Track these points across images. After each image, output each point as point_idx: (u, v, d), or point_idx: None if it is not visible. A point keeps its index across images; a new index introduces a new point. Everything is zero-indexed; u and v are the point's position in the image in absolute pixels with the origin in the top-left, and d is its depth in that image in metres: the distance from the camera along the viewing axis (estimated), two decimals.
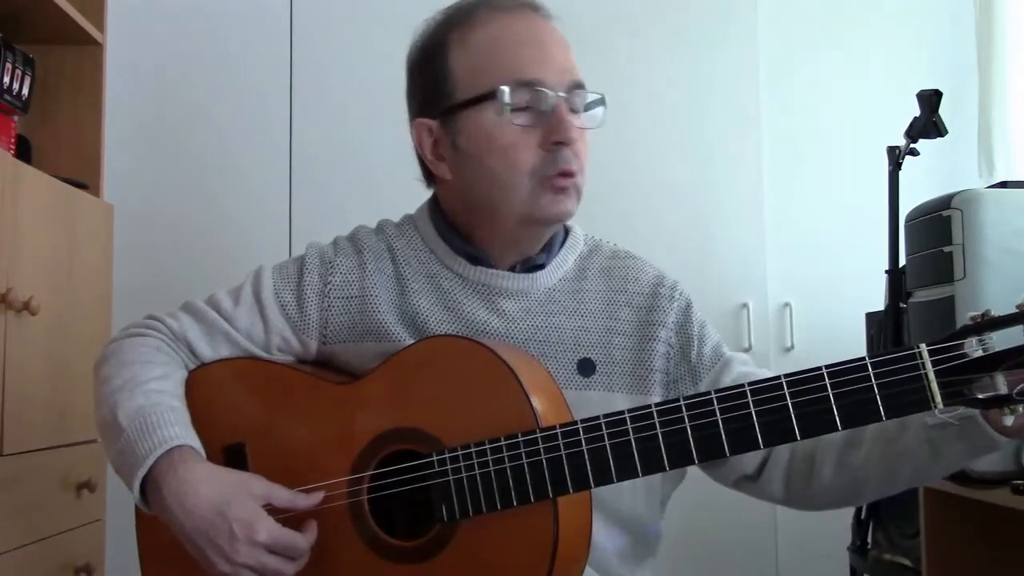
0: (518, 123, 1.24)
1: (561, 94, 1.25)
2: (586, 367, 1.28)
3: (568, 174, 1.25)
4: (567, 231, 1.39)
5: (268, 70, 2.79)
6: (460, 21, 1.30)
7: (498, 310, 1.30)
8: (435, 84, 1.30)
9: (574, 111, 1.27)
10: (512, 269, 1.33)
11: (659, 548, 1.36)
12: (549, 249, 1.35)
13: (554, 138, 1.24)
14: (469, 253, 1.32)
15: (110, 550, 2.21)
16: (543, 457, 1.10)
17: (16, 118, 2.18)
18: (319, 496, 1.20)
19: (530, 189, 1.25)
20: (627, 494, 1.26)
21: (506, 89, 1.23)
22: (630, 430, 1.08)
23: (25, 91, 2.16)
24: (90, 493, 2.08)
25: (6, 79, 2.08)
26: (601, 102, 1.29)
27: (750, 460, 1.28)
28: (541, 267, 1.33)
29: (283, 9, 2.81)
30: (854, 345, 2.55)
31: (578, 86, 1.27)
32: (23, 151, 2.25)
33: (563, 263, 1.35)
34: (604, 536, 1.25)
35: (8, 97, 2.10)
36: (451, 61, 1.28)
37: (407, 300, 1.31)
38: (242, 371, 1.32)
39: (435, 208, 1.37)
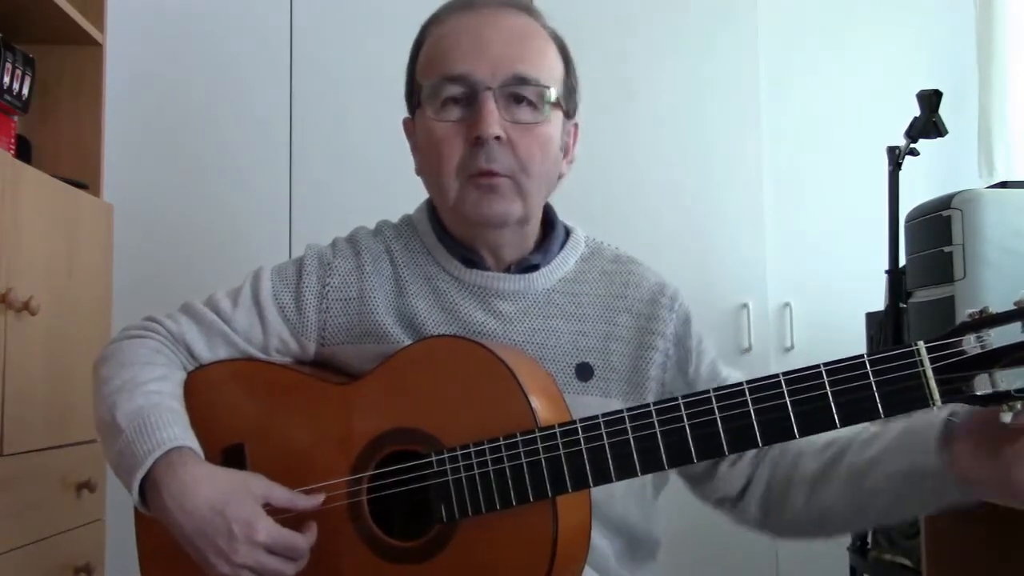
0: (448, 118, 1.24)
1: (490, 87, 1.23)
2: (584, 371, 1.28)
3: (490, 173, 1.23)
4: (568, 232, 1.38)
5: (268, 70, 2.80)
6: (432, 21, 1.32)
7: (495, 312, 1.30)
8: (410, 85, 1.33)
9: (522, 104, 1.25)
10: (507, 270, 1.32)
11: (659, 551, 1.36)
12: (546, 250, 1.34)
13: (473, 133, 1.22)
14: (462, 255, 1.32)
15: (110, 550, 2.22)
16: (542, 457, 1.09)
17: (16, 118, 2.19)
18: (320, 497, 1.19)
19: (458, 187, 1.25)
20: (618, 499, 1.27)
21: (425, 83, 1.26)
22: (629, 429, 1.08)
23: (25, 91, 2.16)
24: (90, 493, 2.08)
25: (6, 79, 2.08)
26: (535, 86, 1.25)
27: (734, 482, 1.28)
28: (536, 268, 1.32)
29: (283, 9, 2.82)
30: (854, 345, 2.55)
31: (519, 79, 1.24)
32: (23, 151, 2.25)
33: (563, 264, 1.34)
34: (601, 539, 1.26)
35: (8, 97, 2.10)
36: (418, 60, 1.31)
37: (405, 302, 1.31)
38: (241, 372, 1.32)
39: (432, 208, 1.37)
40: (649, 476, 1.31)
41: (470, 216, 1.26)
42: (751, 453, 1.27)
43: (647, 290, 1.34)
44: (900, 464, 1.11)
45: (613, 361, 1.29)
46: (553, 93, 1.26)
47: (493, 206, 1.25)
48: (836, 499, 1.18)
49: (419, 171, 1.34)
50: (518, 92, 1.25)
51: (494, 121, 1.22)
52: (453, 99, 1.25)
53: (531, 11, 1.31)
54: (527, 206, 1.27)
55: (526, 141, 1.24)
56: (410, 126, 1.35)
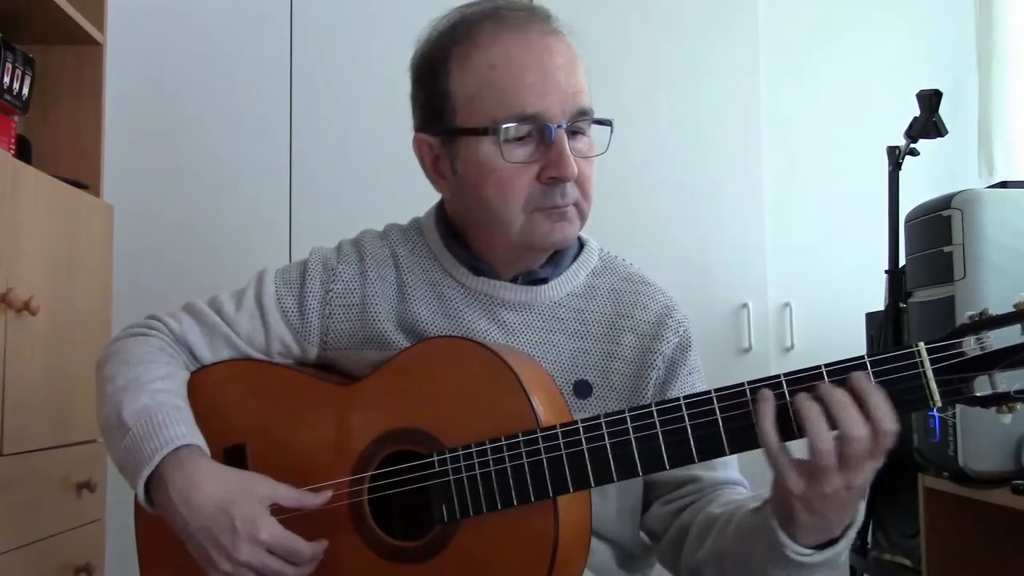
0: (516, 159, 1.20)
1: (563, 125, 1.20)
2: (582, 389, 1.27)
3: (564, 205, 1.23)
4: (581, 244, 1.37)
5: (268, 69, 2.79)
6: (463, 36, 1.24)
7: (499, 321, 1.29)
8: (435, 103, 1.26)
9: (578, 135, 1.23)
10: (514, 281, 1.31)
11: (654, 557, 1.37)
12: (557, 263, 1.32)
13: (551, 174, 1.20)
14: (470, 262, 1.31)
15: (110, 550, 2.21)
16: (543, 457, 1.09)
17: (16, 118, 2.18)
18: (326, 495, 1.19)
19: (524, 220, 1.23)
20: (614, 518, 1.27)
21: (504, 127, 1.19)
22: (630, 429, 1.08)
23: (25, 91, 2.16)
24: (90, 493, 2.08)
25: (6, 79, 2.08)
26: (607, 125, 1.25)
27: (661, 521, 1.28)
28: (544, 280, 1.31)
29: (283, 9, 2.81)
30: (854, 345, 2.55)
31: (582, 112, 1.23)
32: (23, 151, 2.25)
33: (573, 278, 1.33)
34: (601, 545, 1.26)
35: (8, 97, 2.10)
36: (451, 83, 1.24)
37: (407, 308, 1.31)
38: (243, 373, 1.33)
39: (442, 214, 1.36)
40: (642, 496, 1.32)
41: (537, 244, 1.25)
42: (685, 500, 1.27)
43: (654, 312, 1.32)
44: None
45: (613, 380, 1.29)
46: (611, 127, 1.25)
47: (565, 233, 1.24)
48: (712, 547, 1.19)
49: (455, 197, 1.30)
50: (582, 127, 1.24)
51: (573, 163, 1.20)
52: (519, 137, 1.21)
53: (562, 27, 1.28)
54: (583, 227, 1.28)
55: (587, 171, 1.24)
56: (424, 144, 1.30)
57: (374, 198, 2.63)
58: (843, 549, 1.07)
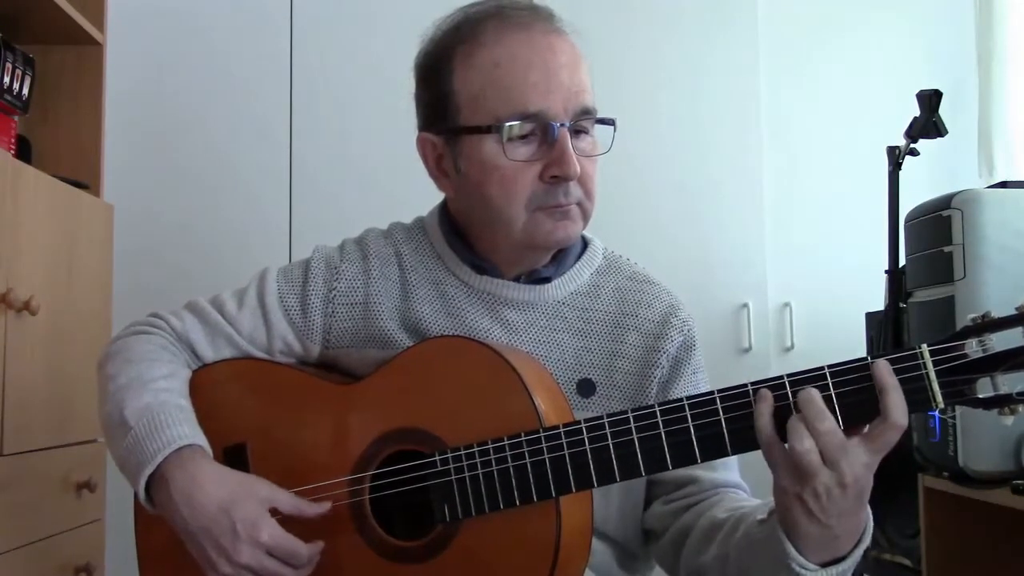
0: (519, 157, 1.21)
1: (566, 123, 1.21)
2: (586, 388, 1.27)
3: (567, 204, 1.23)
4: (585, 244, 1.37)
5: (268, 69, 2.79)
6: (467, 36, 1.25)
7: (501, 320, 1.29)
8: (439, 101, 1.26)
9: (581, 134, 1.24)
10: (517, 280, 1.31)
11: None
12: (560, 262, 1.32)
13: (554, 172, 1.21)
14: (472, 261, 1.31)
15: (110, 550, 2.21)
16: (546, 457, 1.09)
17: (16, 118, 2.18)
18: (326, 505, 1.19)
19: (527, 218, 1.23)
20: (615, 518, 1.27)
21: (507, 125, 1.20)
22: (633, 429, 1.08)
23: (25, 91, 2.15)
24: (90, 493, 2.08)
25: (6, 79, 2.08)
26: (610, 124, 1.25)
27: (662, 520, 1.28)
28: (547, 279, 1.31)
29: (283, 9, 2.81)
30: (854, 345, 2.55)
31: (586, 111, 1.23)
32: (23, 151, 2.24)
33: (577, 277, 1.33)
34: (600, 546, 1.26)
35: (8, 97, 2.10)
36: (455, 81, 1.24)
37: (410, 307, 1.31)
38: (244, 371, 1.33)
39: (445, 213, 1.36)
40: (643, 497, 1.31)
41: (540, 243, 1.25)
42: (686, 500, 1.27)
43: (659, 311, 1.32)
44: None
45: (617, 379, 1.29)
46: (614, 127, 1.25)
47: (568, 232, 1.24)
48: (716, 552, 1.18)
49: (458, 196, 1.30)
50: (585, 126, 1.24)
51: (576, 161, 1.20)
52: (522, 135, 1.21)
53: (565, 26, 1.28)
54: (586, 226, 1.28)
55: (590, 170, 1.24)
56: (427, 143, 1.30)
57: (374, 198, 2.63)
58: (848, 568, 1.06)
